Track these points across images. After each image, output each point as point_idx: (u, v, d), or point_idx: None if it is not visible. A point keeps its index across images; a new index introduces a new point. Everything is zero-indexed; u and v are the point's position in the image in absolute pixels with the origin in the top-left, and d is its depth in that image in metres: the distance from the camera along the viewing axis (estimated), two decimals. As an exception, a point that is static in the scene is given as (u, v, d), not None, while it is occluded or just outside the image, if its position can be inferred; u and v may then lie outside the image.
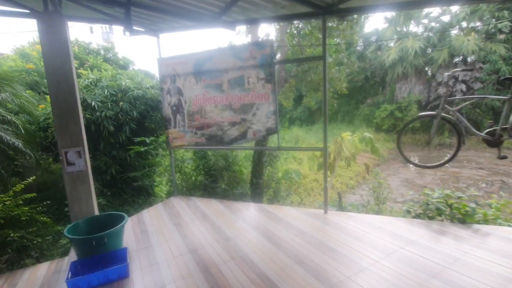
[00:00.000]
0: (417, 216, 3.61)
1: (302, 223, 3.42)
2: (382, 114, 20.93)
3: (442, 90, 18.59)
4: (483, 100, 16.98)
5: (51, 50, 2.94)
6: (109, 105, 5.92)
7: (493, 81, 16.35)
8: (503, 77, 2.56)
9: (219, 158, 5.00)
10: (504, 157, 2.72)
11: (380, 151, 7.60)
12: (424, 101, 19.66)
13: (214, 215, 3.88)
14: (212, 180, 4.91)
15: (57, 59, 2.96)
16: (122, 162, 6.16)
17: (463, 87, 17.51)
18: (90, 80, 6.29)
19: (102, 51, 11.56)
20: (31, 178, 3.63)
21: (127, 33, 4.33)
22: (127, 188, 6.25)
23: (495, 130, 2.76)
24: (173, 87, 4.22)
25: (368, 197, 6.76)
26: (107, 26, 16.41)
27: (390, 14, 21.29)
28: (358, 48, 24.54)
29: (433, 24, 19.70)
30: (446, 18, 19.23)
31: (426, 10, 20.03)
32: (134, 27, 4.57)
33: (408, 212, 3.75)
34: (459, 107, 2.90)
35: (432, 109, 19.66)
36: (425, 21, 20.21)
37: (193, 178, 5.24)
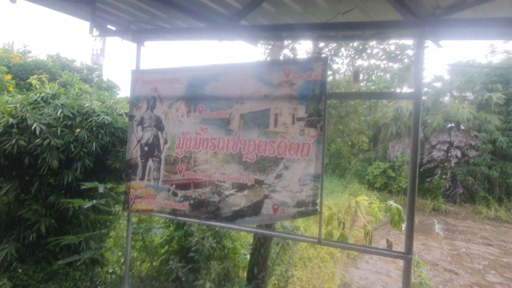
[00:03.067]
0: None
1: None
2: (375, 171, 20.10)
3: (436, 154, 18.24)
4: (478, 168, 16.57)
5: None
6: (59, 130, 4.20)
7: (489, 150, 16.12)
8: None
9: (208, 234, 3.22)
10: None
11: (401, 223, 6.13)
12: (419, 163, 19.11)
13: None
14: (191, 271, 3.06)
15: None
16: (61, 215, 4.24)
17: (458, 153, 17.18)
18: (43, 94, 4.64)
19: (85, 71, 10.12)
20: None
21: (95, 31, 2.91)
22: (61, 253, 4.24)
23: None
24: (149, 116, 2.67)
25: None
26: (97, 48, 15.30)
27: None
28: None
29: (426, 89, 20.15)
30: (438, 84, 19.81)
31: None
32: (108, 26, 3.17)
33: None
34: None
35: (426, 172, 19.09)
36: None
37: (158, 261, 3.38)
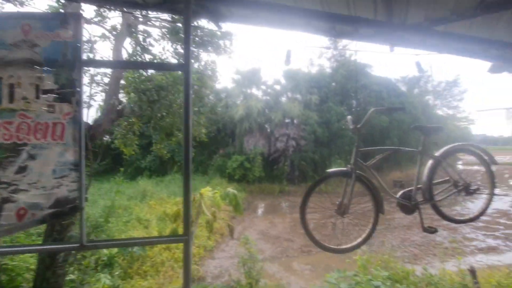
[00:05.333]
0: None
1: None
2: (234, 165, 21.70)
3: (279, 145, 21.80)
4: (306, 154, 21.07)
5: None
6: None
7: (313, 139, 20.70)
8: (413, 125, 1.96)
9: None
10: (434, 231, 2.09)
11: (241, 206, 6.68)
12: (266, 154, 22.09)
13: None
14: None
15: None
16: None
17: (294, 143, 21.15)
18: None
19: None
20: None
21: None
22: None
23: (410, 191, 2.14)
24: None
25: (235, 270, 5.40)
26: None
27: (237, 76, 24.01)
28: (210, 100, 25.71)
29: (269, 90, 23.60)
30: (277, 87, 23.63)
31: (263, 79, 24.00)
32: None
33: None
34: (373, 161, 2.16)
35: (274, 160, 22.50)
36: (263, 87, 24.03)
37: None
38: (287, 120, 22.19)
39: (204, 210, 5.85)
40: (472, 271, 3.91)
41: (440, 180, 2.21)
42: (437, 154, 2.11)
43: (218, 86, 26.49)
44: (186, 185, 1.81)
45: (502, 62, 2.98)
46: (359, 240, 2.11)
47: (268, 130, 23.23)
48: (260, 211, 17.04)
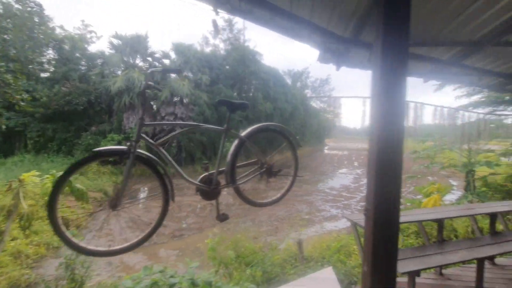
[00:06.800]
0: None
1: None
2: (109, 144, 18.84)
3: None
4: (195, 135, 20.49)
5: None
6: None
7: (201, 120, 20.22)
8: (218, 100, 1.69)
9: None
10: (225, 218, 1.91)
11: (87, 194, 5.51)
12: (151, 134, 20.22)
13: None
14: None
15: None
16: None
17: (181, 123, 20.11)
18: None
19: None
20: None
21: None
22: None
23: (211, 175, 1.89)
24: None
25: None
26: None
27: (117, 41, 20.50)
28: (81, 66, 21.17)
29: (156, 63, 21.35)
30: (166, 61, 21.66)
31: (150, 50, 21.46)
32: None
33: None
34: (163, 139, 1.79)
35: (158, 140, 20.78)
36: (150, 59, 21.54)
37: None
38: (175, 99, 20.80)
39: (21, 201, 4.45)
40: (299, 243, 4.46)
41: (247, 162, 2.09)
42: (242, 133, 1.95)
43: (92, 49, 22.11)
44: None
45: (329, 55, 3.20)
46: (140, 238, 1.75)
47: (154, 108, 21.23)
48: (138, 196, 15.50)
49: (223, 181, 1.92)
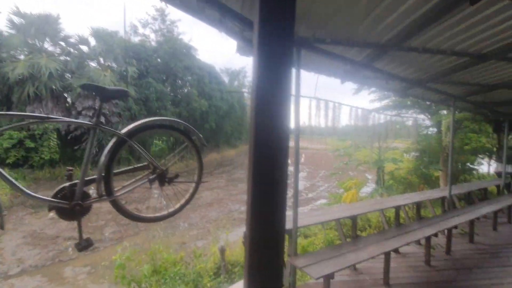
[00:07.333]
0: None
1: None
2: (6, 144, 15.47)
3: (83, 120, 17.63)
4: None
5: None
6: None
7: (127, 116, 18.29)
8: (82, 84, 1.22)
9: None
10: (88, 245, 1.44)
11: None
12: (64, 130, 17.37)
13: None
14: None
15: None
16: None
17: (103, 119, 17.78)
18: None
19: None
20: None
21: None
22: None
23: (74, 186, 1.40)
24: None
25: None
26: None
27: (19, 20, 16.90)
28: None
29: (71, 49, 18.44)
30: (84, 48, 18.89)
31: (64, 33, 18.39)
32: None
33: None
34: None
35: (75, 139, 17.95)
36: (63, 43, 18.48)
37: None
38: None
39: None
40: (222, 251, 4.19)
41: (133, 166, 1.66)
42: (122, 131, 1.51)
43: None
44: None
45: (247, 44, 2.94)
46: None
47: (69, 101, 18.32)
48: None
49: (94, 193, 1.46)
